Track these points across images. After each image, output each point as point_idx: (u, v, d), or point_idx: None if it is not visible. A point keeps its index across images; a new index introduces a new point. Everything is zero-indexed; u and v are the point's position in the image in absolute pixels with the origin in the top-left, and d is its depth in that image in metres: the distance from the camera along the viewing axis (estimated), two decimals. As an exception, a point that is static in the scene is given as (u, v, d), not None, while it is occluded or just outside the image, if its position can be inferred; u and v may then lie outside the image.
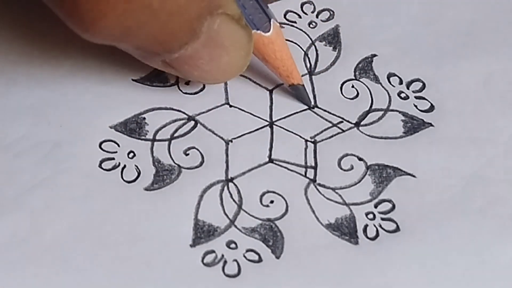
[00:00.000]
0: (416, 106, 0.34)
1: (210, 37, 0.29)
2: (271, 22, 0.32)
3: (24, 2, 0.35)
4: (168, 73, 0.32)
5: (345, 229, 0.31)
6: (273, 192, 0.31)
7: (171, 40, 0.29)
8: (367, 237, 0.31)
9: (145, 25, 0.28)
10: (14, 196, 0.30)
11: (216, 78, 0.32)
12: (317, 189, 0.31)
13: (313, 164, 0.32)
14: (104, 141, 0.32)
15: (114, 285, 0.29)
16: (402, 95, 0.34)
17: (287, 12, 0.36)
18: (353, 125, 0.33)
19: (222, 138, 0.32)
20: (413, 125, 0.33)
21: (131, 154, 0.32)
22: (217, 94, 0.33)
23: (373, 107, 0.34)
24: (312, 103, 0.34)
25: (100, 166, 0.31)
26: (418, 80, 0.34)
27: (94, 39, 0.28)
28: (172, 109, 0.33)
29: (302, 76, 0.34)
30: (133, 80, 0.33)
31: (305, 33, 0.36)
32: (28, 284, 0.29)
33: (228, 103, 0.33)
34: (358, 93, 0.34)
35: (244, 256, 0.30)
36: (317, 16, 0.36)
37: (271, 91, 0.34)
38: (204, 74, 0.31)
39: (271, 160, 0.32)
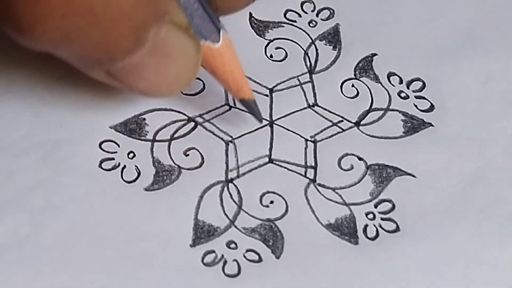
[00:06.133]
0: (416, 105, 0.34)
1: (156, 46, 0.28)
2: (221, 33, 0.30)
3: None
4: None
5: (345, 229, 0.31)
6: (273, 192, 0.31)
7: (114, 47, 0.27)
8: (367, 237, 0.31)
9: (86, 30, 0.26)
10: (14, 196, 0.30)
11: (163, 91, 0.30)
12: (317, 189, 0.31)
13: (313, 164, 0.32)
14: (104, 141, 0.32)
15: (114, 285, 0.29)
16: (402, 94, 0.34)
17: (287, 11, 0.36)
18: (353, 125, 0.33)
19: (222, 139, 0.32)
20: (413, 125, 0.33)
21: (131, 155, 0.32)
22: (217, 95, 0.33)
23: (373, 107, 0.34)
24: (312, 101, 0.34)
25: (100, 166, 0.31)
26: (418, 79, 0.34)
27: (33, 45, 0.27)
28: (172, 110, 0.33)
29: (303, 74, 0.34)
30: (133, 80, 0.33)
31: (305, 32, 0.35)
32: (28, 284, 0.29)
33: (228, 104, 0.33)
34: (358, 92, 0.34)
35: (244, 256, 0.30)
36: (317, 15, 0.36)
37: (271, 90, 0.34)
38: (150, 86, 0.29)
39: (271, 161, 0.32)
